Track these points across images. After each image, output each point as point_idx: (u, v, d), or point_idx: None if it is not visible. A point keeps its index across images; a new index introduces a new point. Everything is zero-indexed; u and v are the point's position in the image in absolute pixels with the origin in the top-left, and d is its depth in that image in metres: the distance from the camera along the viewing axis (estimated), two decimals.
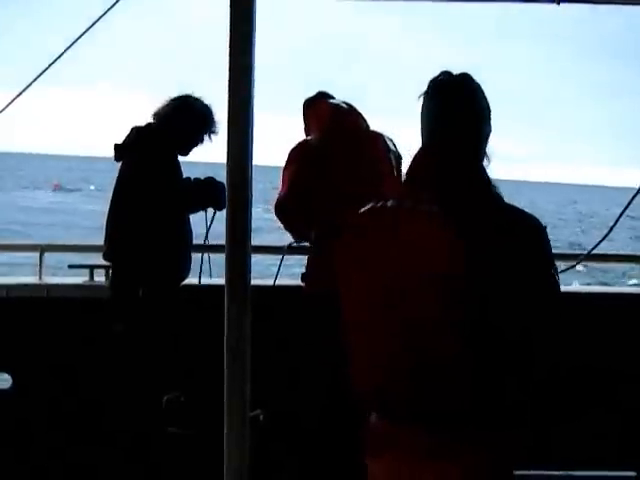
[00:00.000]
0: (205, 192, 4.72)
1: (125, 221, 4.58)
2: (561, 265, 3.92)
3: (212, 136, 4.79)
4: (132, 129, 4.70)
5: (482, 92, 2.56)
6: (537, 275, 2.42)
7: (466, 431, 2.42)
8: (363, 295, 2.51)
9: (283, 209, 4.48)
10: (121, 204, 4.61)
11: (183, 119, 4.70)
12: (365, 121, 4.61)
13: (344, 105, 4.56)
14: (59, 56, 4.28)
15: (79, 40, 3.92)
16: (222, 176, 2.97)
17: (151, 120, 4.75)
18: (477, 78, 2.56)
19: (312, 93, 4.70)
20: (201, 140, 4.79)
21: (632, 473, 4.74)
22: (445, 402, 2.40)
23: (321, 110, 4.55)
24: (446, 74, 2.54)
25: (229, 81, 2.71)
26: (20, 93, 4.32)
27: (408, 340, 2.39)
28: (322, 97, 4.65)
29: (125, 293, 4.64)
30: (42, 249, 5.18)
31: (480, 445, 2.44)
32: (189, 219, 4.75)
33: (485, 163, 2.54)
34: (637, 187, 3.97)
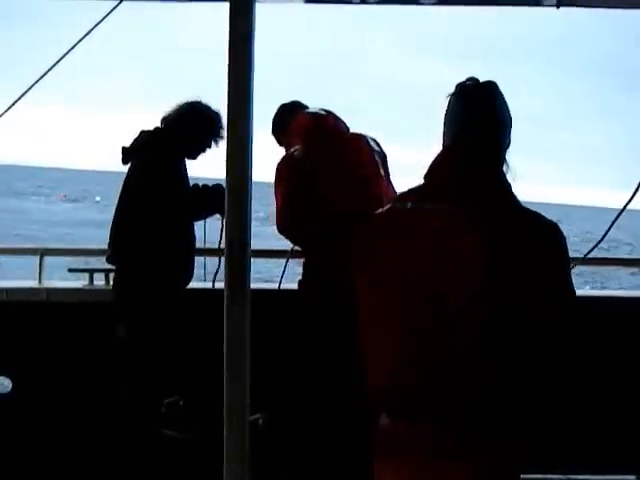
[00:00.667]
0: (212, 198, 4.71)
1: (130, 224, 4.58)
2: None
3: (219, 141, 4.80)
4: (140, 132, 4.71)
5: (505, 101, 2.60)
6: (555, 278, 2.44)
7: (477, 434, 2.42)
8: (381, 296, 2.51)
9: (285, 230, 4.49)
10: (127, 207, 4.62)
11: (191, 123, 4.71)
12: (345, 124, 4.61)
13: (322, 112, 4.57)
14: (53, 65, 4.30)
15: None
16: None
17: (159, 124, 4.77)
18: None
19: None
20: (208, 145, 4.80)
21: (632, 477, 4.74)
22: (459, 404, 2.40)
23: (301, 120, 4.53)
24: (473, 80, 2.58)
25: (228, 89, 2.72)
26: (14, 102, 4.34)
27: (426, 341, 2.39)
28: (298, 107, 4.66)
29: (128, 297, 4.63)
30: (42, 253, 5.19)
31: (490, 449, 2.44)
32: (193, 224, 4.76)
33: (504, 169, 2.56)
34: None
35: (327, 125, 4.52)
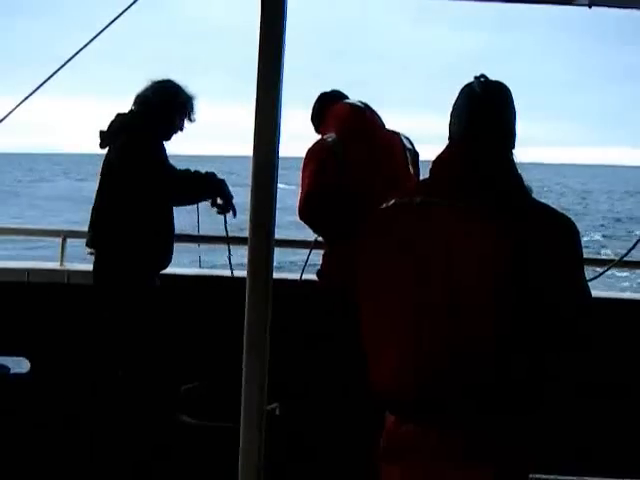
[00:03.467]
0: (206, 183, 4.71)
1: (111, 208, 4.55)
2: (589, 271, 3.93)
3: (191, 121, 4.78)
4: (116, 115, 4.69)
5: (513, 101, 2.61)
6: (570, 272, 2.44)
7: (484, 437, 2.41)
8: (386, 294, 2.50)
9: (306, 215, 4.42)
10: (107, 191, 4.59)
11: (162, 103, 4.66)
12: (381, 120, 4.62)
13: (360, 104, 4.57)
14: (67, 61, 4.30)
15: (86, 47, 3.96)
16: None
17: (132, 105, 4.74)
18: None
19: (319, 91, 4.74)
20: (181, 128, 4.77)
21: None
22: (466, 405, 2.39)
23: (338, 110, 4.55)
24: (484, 77, 2.59)
25: (258, 71, 2.72)
26: (27, 97, 4.35)
27: (434, 340, 2.38)
28: (338, 97, 4.67)
29: (107, 281, 4.60)
30: (65, 235, 5.21)
31: (497, 451, 2.43)
32: (172, 209, 4.71)
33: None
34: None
35: (362, 117, 4.52)
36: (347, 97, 4.67)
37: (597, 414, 4.65)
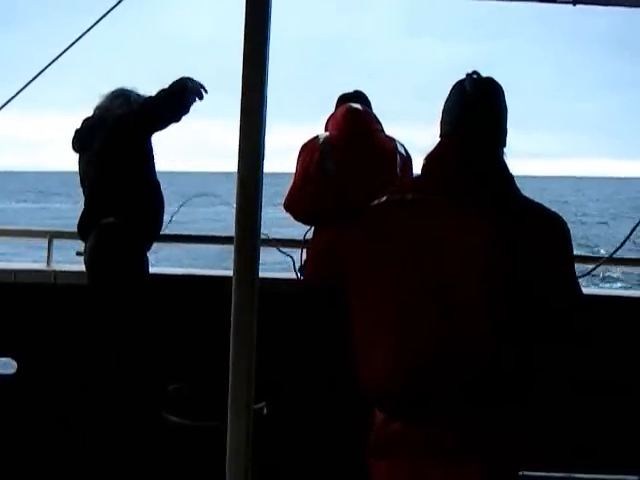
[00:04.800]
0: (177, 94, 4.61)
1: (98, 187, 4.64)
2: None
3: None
4: (83, 121, 4.73)
5: (504, 98, 2.64)
6: (560, 268, 2.47)
7: (471, 434, 2.42)
8: (377, 291, 2.50)
9: (290, 206, 4.69)
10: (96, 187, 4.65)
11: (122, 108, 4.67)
12: (380, 125, 4.73)
13: (359, 107, 4.69)
14: (43, 69, 4.31)
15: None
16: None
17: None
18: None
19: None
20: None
21: (634, 477, 4.73)
22: (453, 403, 2.39)
23: (337, 111, 4.71)
24: (475, 73, 2.61)
25: (243, 76, 2.71)
26: (23, 87, 4.35)
27: (423, 337, 2.39)
28: (351, 99, 4.78)
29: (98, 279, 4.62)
30: (51, 235, 5.20)
31: (485, 448, 2.44)
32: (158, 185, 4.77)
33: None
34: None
35: (356, 119, 4.64)
36: (366, 99, 4.80)
37: (591, 411, 4.66)
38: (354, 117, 4.64)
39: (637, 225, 4.41)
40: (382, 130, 4.72)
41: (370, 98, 4.84)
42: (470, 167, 2.48)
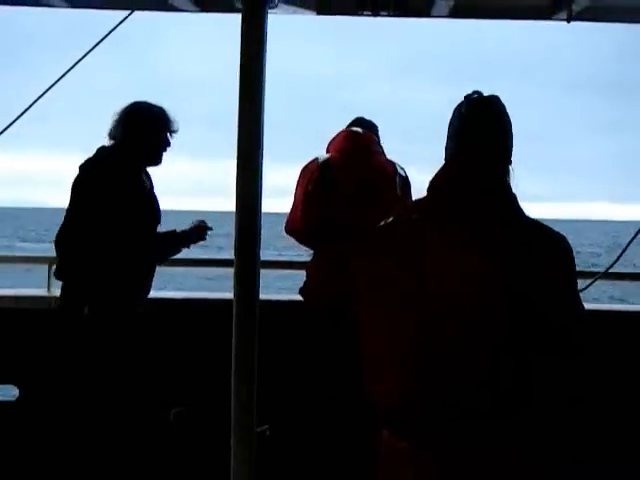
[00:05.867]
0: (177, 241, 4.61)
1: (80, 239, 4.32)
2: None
3: (173, 135, 4.52)
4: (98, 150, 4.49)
5: (508, 115, 2.62)
6: (565, 288, 2.45)
7: (480, 458, 2.42)
8: (385, 311, 2.50)
9: (290, 230, 4.71)
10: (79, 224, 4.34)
11: (139, 127, 4.43)
12: (380, 148, 4.78)
13: (359, 130, 4.74)
14: (59, 78, 4.37)
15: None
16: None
17: (106, 142, 4.48)
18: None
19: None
20: (167, 143, 4.51)
21: None
22: (463, 426, 2.39)
23: (338, 134, 4.76)
24: (477, 93, 2.61)
25: (239, 119, 2.74)
26: (19, 116, 4.43)
27: (430, 359, 2.38)
28: (354, 123, 4.85)
29: (72, 310, 4.41)
30: (50, 262, 5.20)
31: (493, 472, 2.44)
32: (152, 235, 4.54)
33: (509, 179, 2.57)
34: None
35: (354, 140, 4.69)
36: (371, 125, 4.85)
37: (590, 425, 4.65)
38: (354, 138, 4.69)
39: (633, 238, 4.43)
40: (383, 153, 4.77)
41: None
42: (471, 188, 2.49)
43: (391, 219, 2.61)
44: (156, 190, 4.60)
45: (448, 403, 2.39)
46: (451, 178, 2.54)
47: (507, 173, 2.58)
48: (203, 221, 4.67)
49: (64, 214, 4.38)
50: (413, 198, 4.57)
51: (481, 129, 2.57)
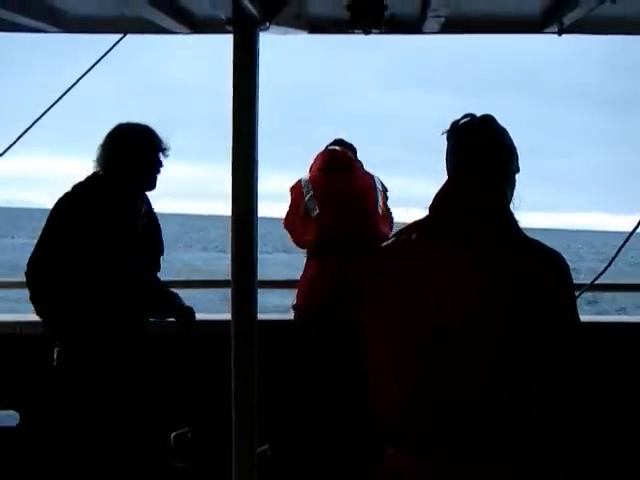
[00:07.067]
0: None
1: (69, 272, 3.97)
2: None
3: (166, 153, 4.16)
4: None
5: (506, 133, 2.63)
6: (563, 308, 2.46)
7: (481, 474, 2.41)
8: (387, 329, 2.51)
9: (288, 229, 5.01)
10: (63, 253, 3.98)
11: (124, 152, 4.07)
12: (359, 163, 5.04)
13: (337, 148, 5.02)
14: (56, 101, 4.38)
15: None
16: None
17: (95, 169, 4.14)
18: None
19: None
20: (157, 164, 4.14)
21: None
22: (463, 442, 2.39)
23: (318, 154, 5.03)
24: (470, 115, 2.62)
25: (233, 134, 2.76)
26: (19, 137, 4.43)
27: (431, 376, 2.39)
28: (333, 144, 5.11)
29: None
30: None
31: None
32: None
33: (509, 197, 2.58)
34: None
35: (334, 157, 4.94)
36: (349, 146, 5.09)
37: (588, 437, 4.64)
38: (331, 156, 4.94)
39: (623, 245, 4.43)
40: (360, 167, 5.00)
41: (357, 147, 5.13)
42: (468, 208, 2.50)
43: (391, 240, 2.65)
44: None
45: (447, 416, 2.39)
46: (449, 198, 2.56)
47: (506, 192, 2.59)
48: (193, 319, 4.43)
49: (37, 240, 4.02)
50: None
51: (476, 150, 2.59)
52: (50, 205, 4.03)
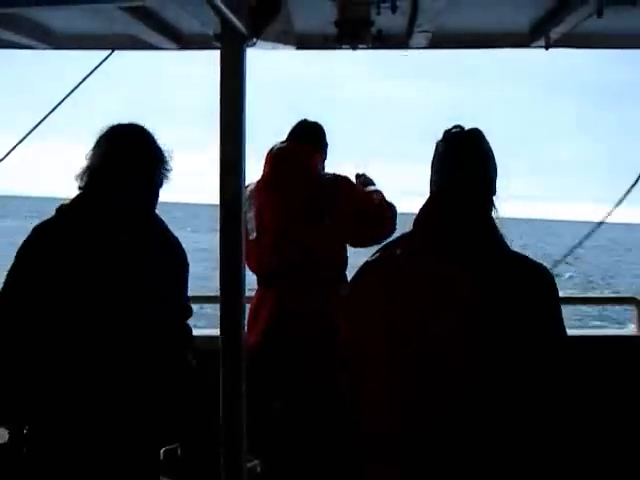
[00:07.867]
0: None
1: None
2: None
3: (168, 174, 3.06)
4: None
5: (491, 148, 2.61)
6: (549, 323, 2.46)
7: None
8: (374, 345, 2.50)
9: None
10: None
11: (124, 161, 2.98)
12: (316, 156, 4.46)
13: (283, 146, 4.42)
14: (54, 107, 4.37)
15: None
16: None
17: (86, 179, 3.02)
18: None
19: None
20: (160, 179, 3.06)
21: None
22: (452, 456, 2.39)
23: (268, 154, 4.46)
24: (458, 127, 2.60)
25: (220, 126, 2.75)
26: (20, 141, 4.41)
27: (417, 392, 2.39)
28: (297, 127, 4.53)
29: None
30: None
31: None
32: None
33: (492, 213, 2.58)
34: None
35: (278, 166, 4.36)
36: (319, 127, 4.53)
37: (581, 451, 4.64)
38: (275, 164, 4.37)
39: (586, 238, 4.42)
40: (317, 166, 4.44)
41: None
42: (451, 225, 2.50)
43: (377, 255, 2.61)
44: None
45: (436, 431, 2.39)
46: (433, 214, 2.55)
47: (490, 205, 2.59)
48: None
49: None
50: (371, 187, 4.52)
51: (461, 164, 2.57)
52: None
